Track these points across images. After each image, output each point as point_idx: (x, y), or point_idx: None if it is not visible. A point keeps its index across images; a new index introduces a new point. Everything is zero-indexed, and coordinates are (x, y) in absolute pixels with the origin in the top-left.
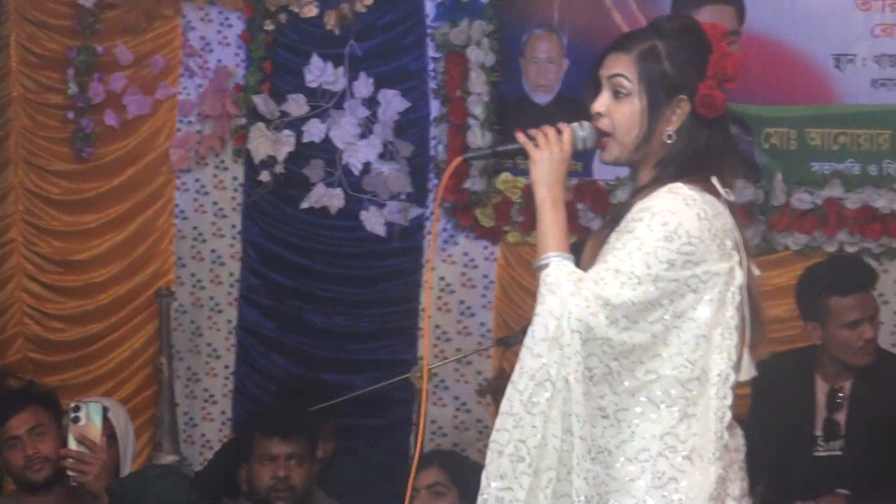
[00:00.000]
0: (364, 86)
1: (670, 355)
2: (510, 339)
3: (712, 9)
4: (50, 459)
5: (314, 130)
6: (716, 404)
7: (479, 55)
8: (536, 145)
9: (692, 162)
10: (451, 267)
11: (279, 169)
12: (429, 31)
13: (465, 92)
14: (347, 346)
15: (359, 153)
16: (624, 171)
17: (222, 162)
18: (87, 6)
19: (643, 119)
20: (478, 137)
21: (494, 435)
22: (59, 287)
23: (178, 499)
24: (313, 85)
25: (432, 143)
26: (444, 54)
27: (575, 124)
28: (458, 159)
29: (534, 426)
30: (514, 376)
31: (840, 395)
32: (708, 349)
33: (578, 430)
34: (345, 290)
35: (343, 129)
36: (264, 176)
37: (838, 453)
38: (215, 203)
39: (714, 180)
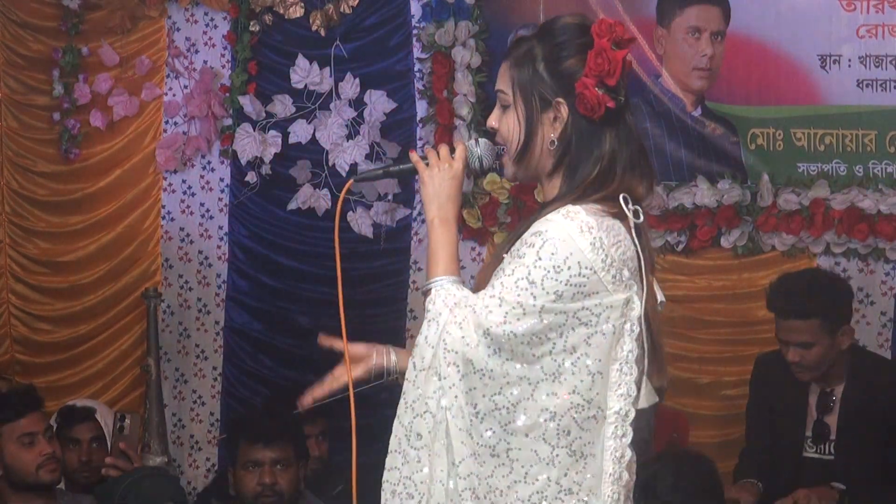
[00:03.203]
0: (350, 86)
1: (566, 393)
2: None
3: (698, 9)
4: (60, 462)
5: (300, 131)
6: (613, 444)
7: (465, 56)
8: (428, 164)
9: (596, 176)
10: None
11: (266, 170)
12: (415, 31)
13: (451, 92)
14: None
15: (345, 154)
16: None
17: (209, 163)
18: (72, 7)
19: (521, 127)
20: (465, 138)
21: (386, 475)
22: (45, 288)
23: (163, 499)
24: (299, 86)
25: (419, 143)
26: (430, 55)
27: (471, 141)
28: (350, 182)
29: (419, 460)
30: (399, 410)
31: (832, 398)
32: (605, 386)
33: (457, 464)
34: (332, 291)
35: (329, 130)
36: (251, 177)
37: (829, 457)
38: (202, 204)
39: (622, 199)
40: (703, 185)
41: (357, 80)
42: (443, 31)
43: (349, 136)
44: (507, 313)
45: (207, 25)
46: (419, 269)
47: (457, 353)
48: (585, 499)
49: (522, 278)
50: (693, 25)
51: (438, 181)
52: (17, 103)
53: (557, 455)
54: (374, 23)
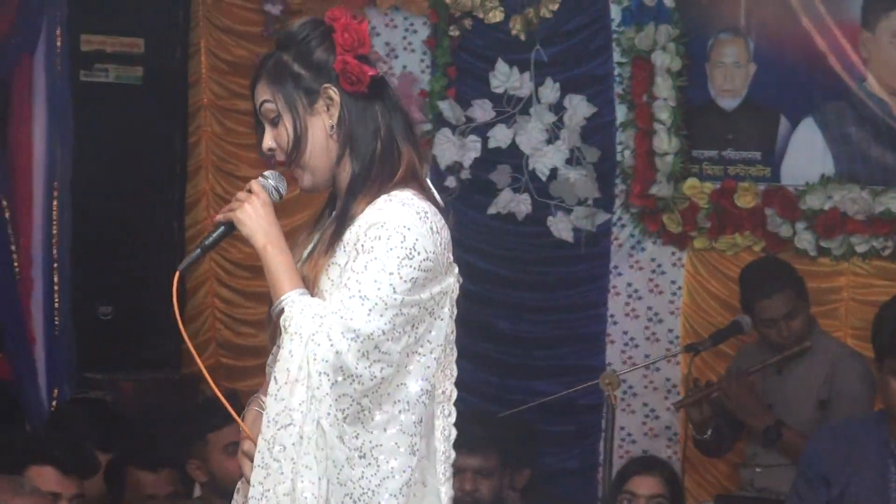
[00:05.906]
0: (550, 91)
1: (414, 382)
2: (698, 346)
3: None
4: None
5: (500, 136)
6: (442, 424)
7: (665, 60)
8: (234, 211)
9: (381, 151)
10: (638, 273)
11: (465, 175)
12: (614, 35)
13: (650, 97)
14: (535, 353)
15: (545, 159)
16: (813, 177)
17: None
18: (274, 13)
19: (290, 128)
20: (664, 143)
21: (251, 491)
22: (249, 292)
23: None
24: (499, 90)
25: (618, 148)
26: (629, 59)
27: (259, 178)
28: (177, 274)
29: (281, 472)
30: (262, 427)
31: None
32: (440, 368)
33: (336, 475)
34: (532, 295)
35: (529, 135)
36: (450, 182)
37: None
38: None
39: (429, 183)
40: None
41: (557, 85)
42: (643, 35)
43: (549, 141)
44: (370, 310)
45: (407, 30)
46: (619, 274)
47: (326, 361)
48: (423, 479)
49: (380, 271)
50: None
51: (254, 215)
52: (221, 108)
53: (415, 444)
54: (573, 27)
